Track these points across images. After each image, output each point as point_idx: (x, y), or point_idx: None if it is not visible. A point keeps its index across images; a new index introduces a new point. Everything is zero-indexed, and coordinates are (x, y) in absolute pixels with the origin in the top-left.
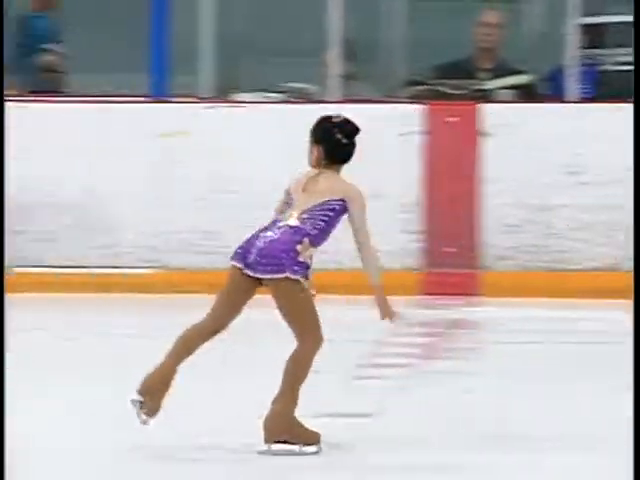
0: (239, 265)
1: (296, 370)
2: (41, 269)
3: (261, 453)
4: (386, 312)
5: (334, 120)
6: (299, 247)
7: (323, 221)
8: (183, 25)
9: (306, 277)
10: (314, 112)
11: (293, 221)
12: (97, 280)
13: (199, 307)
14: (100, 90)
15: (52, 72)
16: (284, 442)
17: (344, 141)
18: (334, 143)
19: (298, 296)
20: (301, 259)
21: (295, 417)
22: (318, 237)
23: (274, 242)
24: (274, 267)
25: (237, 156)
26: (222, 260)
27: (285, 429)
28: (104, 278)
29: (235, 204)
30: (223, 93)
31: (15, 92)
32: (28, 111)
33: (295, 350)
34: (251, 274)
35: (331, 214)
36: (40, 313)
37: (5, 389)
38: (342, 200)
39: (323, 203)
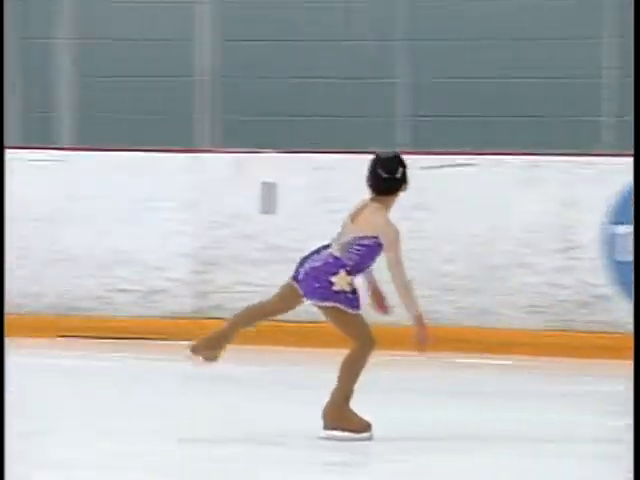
0: (292, 277)
1: (348, 369)
2: None
3: (321, 438)
4: (423, 344)
5: (378, 157)
6: (334, 278)
7: (357, 254)
8: None
9: (343, 302)
10: None
11: (336, 251)
12: None
13: None
14: None
15: None
16: (339, 429)
17: (384, 176)
18: (377, 178)
19: (336, 319)
20: (336, 288)
21: (349, 408)
22: (354, 268)
23: (314, 270)
24: (315, 294)
25: None
26: None
27: (339, 418)
28: None
29: None
30: None
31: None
32: None
33: (349, 351)
34: (300, 290)
35: (363, 249)
36: None
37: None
38: (375, 237)
39: (358, 238)
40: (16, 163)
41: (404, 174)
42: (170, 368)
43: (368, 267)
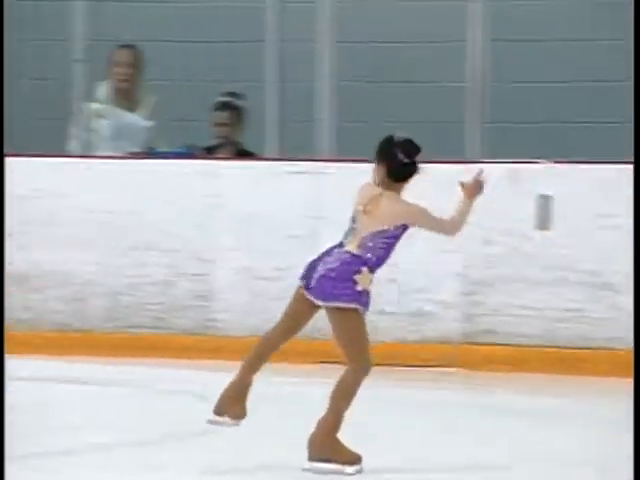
0: (302, 286)
1: (342, 394)
2: None
3: (305, 470)
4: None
5: (396, 140)
6: (357, 277)
7: (382, 248)
8: None
9: (364, 304)
10: None
11: (354, 248)
12: None
13: None
14: None
15: None
16: (326, 461)
17: (405, 160)
18: (396, 162)
19: (351, 324)
20: (359, 288)
21: (337, 438)
22: (376, 263)
23: (333, 271)
24: (337, 296)
25: None
26: None
27: (327, 449)
28: None
29: None
30: None
31: None
32: None
33: (343, 375)
34: (311, 298)
35: (390, 240)
36: None
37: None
38: (403, 226)
39: (383, 232)
40: (272, 177)
41: (419, 159)
42: (423, 396)
43: (385, 261)
